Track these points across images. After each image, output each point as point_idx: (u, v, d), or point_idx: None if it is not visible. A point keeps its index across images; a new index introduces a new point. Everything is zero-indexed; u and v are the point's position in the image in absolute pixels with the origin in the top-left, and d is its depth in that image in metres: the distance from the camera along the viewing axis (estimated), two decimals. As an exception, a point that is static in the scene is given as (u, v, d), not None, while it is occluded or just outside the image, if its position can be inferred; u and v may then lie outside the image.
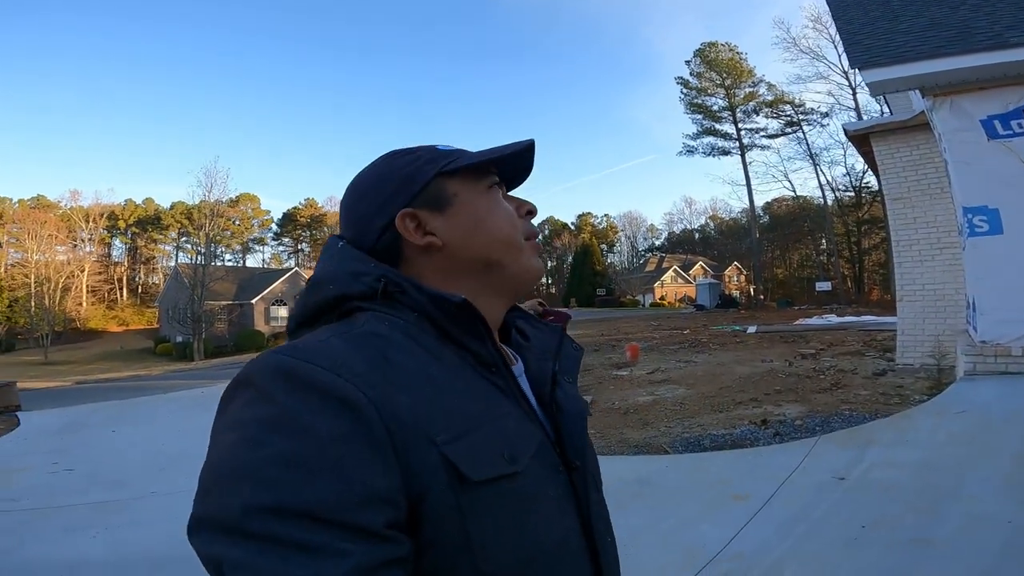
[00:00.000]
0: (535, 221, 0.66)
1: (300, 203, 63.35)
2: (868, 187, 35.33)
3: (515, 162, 0.64)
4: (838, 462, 3.00)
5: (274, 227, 64.41)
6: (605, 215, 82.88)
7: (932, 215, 6.78)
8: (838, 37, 31.47)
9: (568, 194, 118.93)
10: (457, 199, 0.59)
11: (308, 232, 64.26)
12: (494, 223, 0.60)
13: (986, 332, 4.26)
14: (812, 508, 2.46)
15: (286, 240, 63.23)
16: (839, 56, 33.26)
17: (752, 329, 16.17)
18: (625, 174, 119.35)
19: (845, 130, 7.88)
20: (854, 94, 32.42)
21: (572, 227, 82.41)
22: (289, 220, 62.99)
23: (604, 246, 77.35)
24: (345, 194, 0.63)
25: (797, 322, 17.99)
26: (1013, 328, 4.11)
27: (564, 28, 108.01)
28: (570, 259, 71.00)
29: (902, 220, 7.09)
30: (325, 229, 63.73)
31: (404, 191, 0.58)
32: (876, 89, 4.84)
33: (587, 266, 61.08)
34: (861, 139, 7.51)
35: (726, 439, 4.57)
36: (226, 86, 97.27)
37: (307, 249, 64.60)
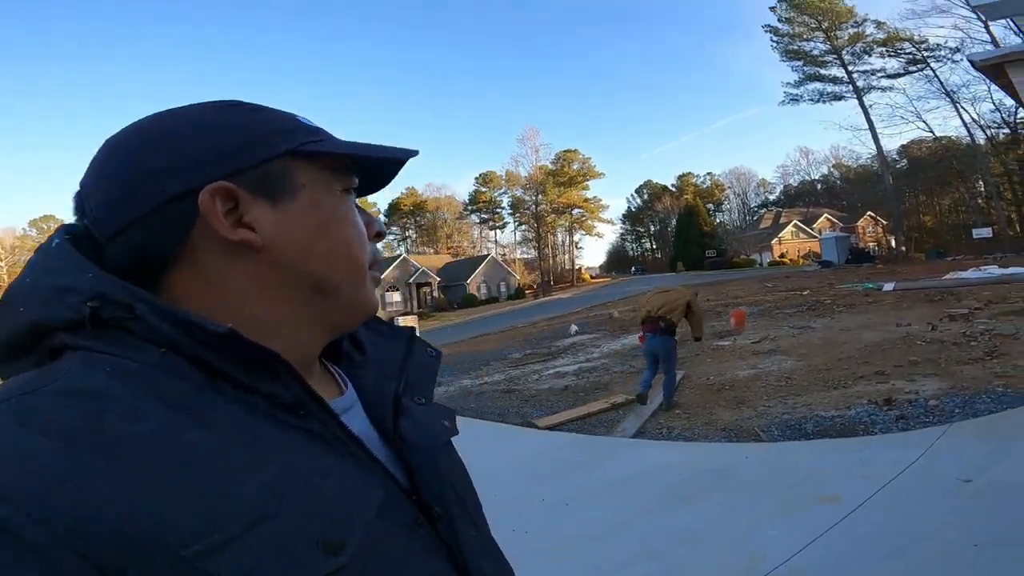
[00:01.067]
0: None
1: (402, 192, 66.78)
2: (1022, 123, 29.53)
3: (381, 168, 0.50)
4: (967, 459, 2.42)
5: (382, 217, 68.68)
6: (708, 173, 77.90)
7: None
8: None
9: (664, 157, 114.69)
10: (303, 192, 0.43)
11: (413, 219, 67.82)
12: (345, 234, 0.45)
13: None
14: (916, 516, 1.99)
15: (394, 228, 67.24)
16: None
17: (889, 287, 14.21)
18: (725, 131, 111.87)
19: (972, 62, 6.53)
20: (986, 25, 27.51)
21: (672, 189, 78.63)
22: (394, 209, 66.76)
23: (710, 206, 72.94)
24: (112, 146, 0.41)
25: (948, 276, 15.47)
26: None
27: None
28: (674, 222, 67.74)
29: None
30: (428, 214, 66.55)
31: (232, 157, 0.40)
32: (991, 13, 3.91)
33: (693, 227, 57.96)
34: (995, 70, 6.14)
35: (835, 423, 3.98)
36: (313, 73, 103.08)
37: (414, 235, 68.36)
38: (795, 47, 39.07)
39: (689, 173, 78.63)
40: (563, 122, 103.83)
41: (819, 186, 65.76)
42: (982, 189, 36.69)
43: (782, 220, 57.73)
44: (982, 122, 33.23)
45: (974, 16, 28.59)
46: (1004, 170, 33.65)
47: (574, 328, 13.60)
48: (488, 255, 53.34)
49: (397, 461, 0.46)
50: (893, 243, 38.71)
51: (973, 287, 12.31)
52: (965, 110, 33.64)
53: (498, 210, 67.00)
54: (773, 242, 54.03)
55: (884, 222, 45.63)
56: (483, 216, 68.54)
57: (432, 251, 61.87)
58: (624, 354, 9.10)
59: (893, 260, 30.64)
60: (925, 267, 22.99)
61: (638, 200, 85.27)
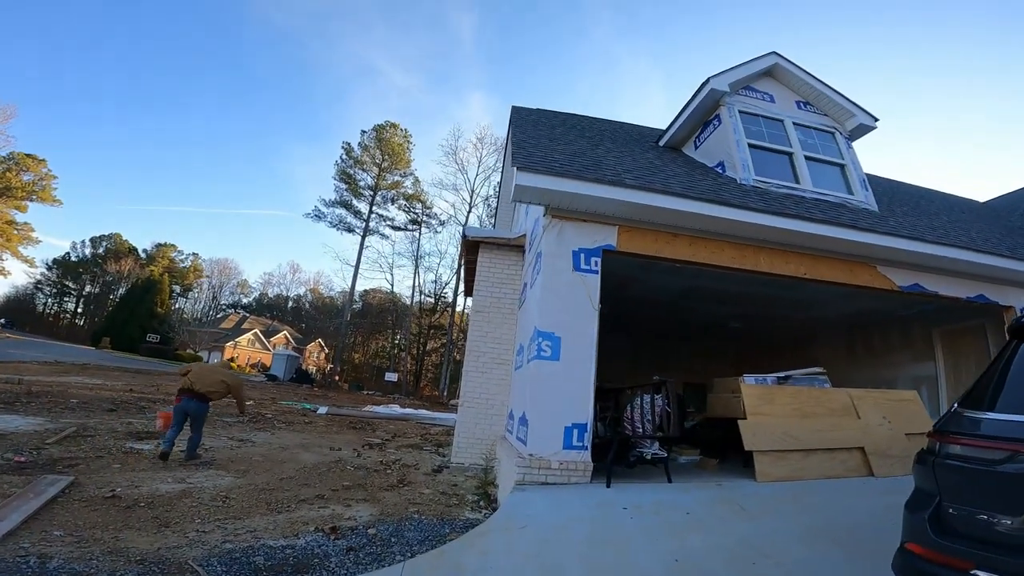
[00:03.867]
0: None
1: None
2: (444, 298, 42.37)
3: None
4: None
5: None
6: (193, 253, 71.85)
7: (500, 332, 7.89)
8: (485, 157, 36.13)
9: (154, 217, 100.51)
10: None
11: None
12: None
13: (534, 446, 4.87)
14: None
15: None
16: (475, 175, 40.71)
17: (323, 410, 15.64)
18: (241, 220, 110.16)
19: (465, 234, 8.48)
20: (468, 212, 39.02)
21: (143, 254, 68.04)
22: None
23: (177, 287, 66.05)
24: None
25: (367, 408, 18.53)
26: (553, 444, 4.86)
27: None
28: (122, 291, 57.00)
29: (478, 332, 7.96)
30: None
31: None
32: (519, 193, 5.34)
33: (145, 304, 50.01)
34: (474, 247, 8.30)
35: (287, 555, 3.53)
36: None
37: None
38: (351, 172, 41.94)
39: (171, 245, 70.11)
40: (54, 135, 77.67)
41: (291, 304, 70.64)
42: (399, 342, 47.29)
43: (245, 325, 57.67)
44: (422, 289, 43.62)
45: (467, 202, 38.50)
46: (418, 331, 44.92)
47: None
48: None
49: None
50: (328, 371, 44.32)
51: (383, 420, 15.11)
52: (419, 275, 44.07)
53: None
54: (229, 344, 52.59)
55: (328, 351, 52.34)
56: None
57: None
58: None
59: (327, 386, 34.80)
60: (349, 396, 27.04)
61: (88, 250, 68.52)
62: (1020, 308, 6.82)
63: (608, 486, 4.68)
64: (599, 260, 5.45)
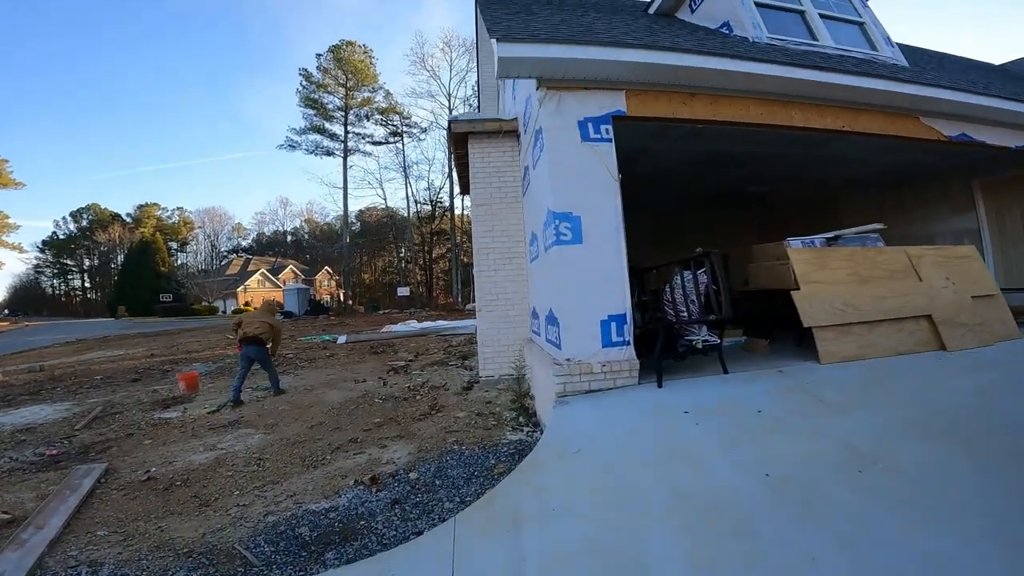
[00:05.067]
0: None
1: None
2: (441, 202, 41.59)
3: None
4: (497, 565, 2.17)
5: None
6: (178, 208, 70.02)
7: (507, 223, 7.17)
8: (456, 59, 35.14)
9: (128, 181, 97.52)
10: None
11: None
12: None
13: (570, 348, 4.31)
14: None
15: None
16: (449, 79, 38.85)
17: (343, 339, 15.48)
18: (212, 167, 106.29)
19: (450, 123, 7.52)
20: (449, 113, 37.75)
21: (128, 219, 66.56)
22: None
23: (174, 244, 65.26)
24: None
25: (384, 329, 18.40)
26: (591, 343, 4.35)
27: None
28: (121, 258, 56.45)
29: (483, 227, 7.22)
30: None
31: None
32: (504, 67, 4.58)
33: (147, 267, 49.74)
34: (462, 139, 7.45)
35: (332, 520, 3.25)
36: None
37: None
38: (316, 96, 40.69)
39: (154, 204, 68.21)
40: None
41: (289, 238, 69.79)
42: (405, 254, 47.15)
43: (250, 268, 57.47)
44: (416, 197, 43.18)
45: (447, 106, 37.79)
46: (421, 240, 44.64)
47: None
48: None
49: None
50: (342, 297, 44.59)
51: (403, 339, 14.92)
52: (411, 184, 43.31)
53: None
54: (239, 289, 52.72)
55: (337, 277, 52.38)
56: None
57: None
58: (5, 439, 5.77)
59: (344, 312, 35.05)
60: (366, 319, 27.11)
61: (72, 226, 67.24)
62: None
63: (660, 385, 4.26)
64: (610, 128, 4.71)
